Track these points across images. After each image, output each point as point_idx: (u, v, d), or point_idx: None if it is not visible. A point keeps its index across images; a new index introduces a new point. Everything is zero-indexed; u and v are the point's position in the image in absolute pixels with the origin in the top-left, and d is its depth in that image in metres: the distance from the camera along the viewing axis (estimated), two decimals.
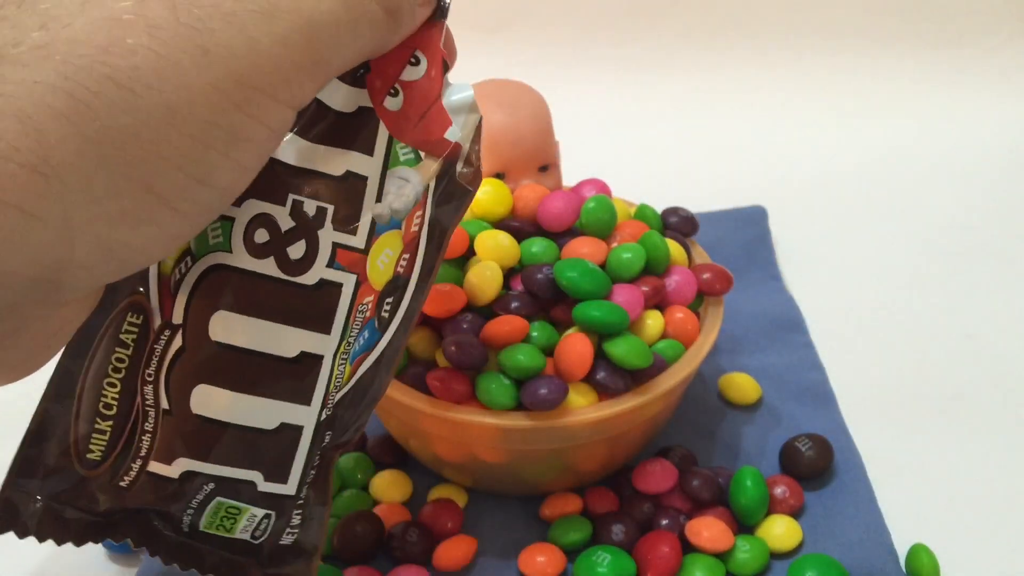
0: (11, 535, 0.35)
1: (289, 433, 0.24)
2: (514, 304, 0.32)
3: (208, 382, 0.23)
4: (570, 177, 0.39)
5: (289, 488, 0.24)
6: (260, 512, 0.24)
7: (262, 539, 0.25)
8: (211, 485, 0.23)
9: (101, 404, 0.23)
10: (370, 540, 0.33)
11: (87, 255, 0.18)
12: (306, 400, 0.24)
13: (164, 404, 0.23)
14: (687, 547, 0.33)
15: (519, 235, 0.35)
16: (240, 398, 0.23)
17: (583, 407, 0.31)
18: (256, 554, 0.25)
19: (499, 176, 0.36)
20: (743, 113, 0.64)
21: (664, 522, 0.33)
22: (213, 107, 0.18)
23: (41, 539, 0.24)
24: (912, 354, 0.43)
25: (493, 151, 0.36)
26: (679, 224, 0.38)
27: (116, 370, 0.23)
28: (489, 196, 0.35)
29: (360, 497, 0.35)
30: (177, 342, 0.23)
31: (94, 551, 0.34)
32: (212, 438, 0.23)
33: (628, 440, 0.34)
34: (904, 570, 0.32)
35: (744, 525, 0.34)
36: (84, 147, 0.17)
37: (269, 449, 0.24)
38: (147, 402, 0.23)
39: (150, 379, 0.23)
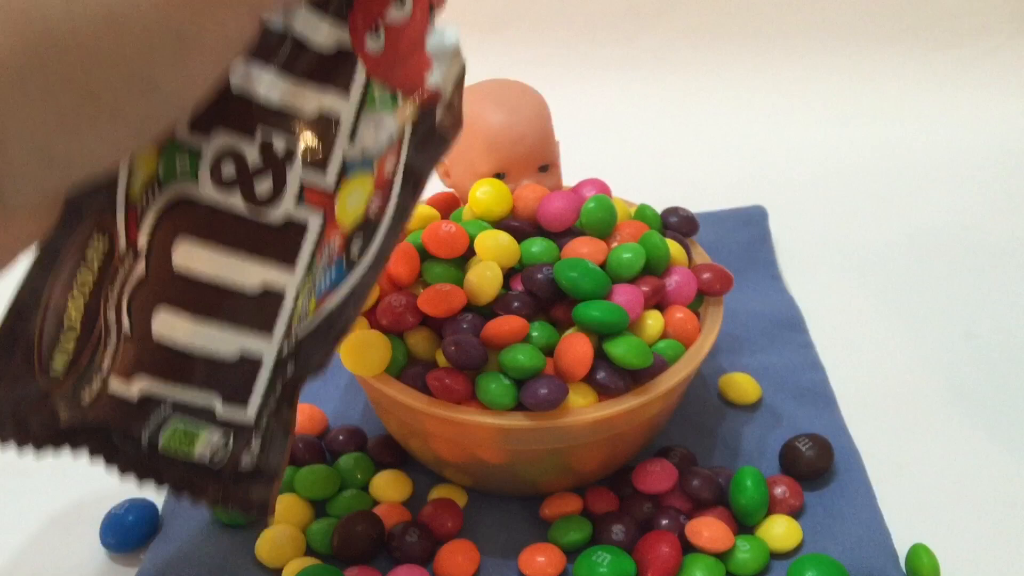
0: (7, 536, 0.35)
1: (249, 362, 0.24)
2: (514, 304, 0.32)
3: (170, 309, 0.23)
4: (570, 177, 0.39)
5: (248, 416, 0.24)
6: (218, 437, 0.24)
7: (221, 464, 0.25)
8: (169, 408, 0.23)
9: (65, 321, 0.23)
10: (370, 540, 0.33)
11: (25, 163, 0.18)
12: (267, 332, 0.24)
13: (125, 327, 0.23)
14: (687, 547, 0.33)
15: (519, 235, 0.35)
16: (201, 326, 0.23)
17: (583, 407, 0.31)
18: (214, 476, 0.25)
19: (499, 176, 0.36)
20: (743, 113, 0.64)
21: (664, 522, 0.33)
22: (159, 11, 0.18)
23: (3, 439, 0.24)
24: (912, 354, 0.43)
25: (493, 151, 0.36)
26: (679, 224, 0.38)
27: (80, 289, 0.23)
28: (489, 196, 0.35)
29: (360, 497, 0.35)
30: (141, 267, 0.23)
31: (94, 551, 0.34)
32: (172, 363, 0.23)
33: (628, 440, 0.34)
34: (904, 570, 0.32)
35: (744, 525, 0.34)
36: (20, 48, 0.17)
37: (229, 377, 0.24)
38: (109, 323, 0.23)
39: (112, 301, 0.23)
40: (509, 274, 0.34)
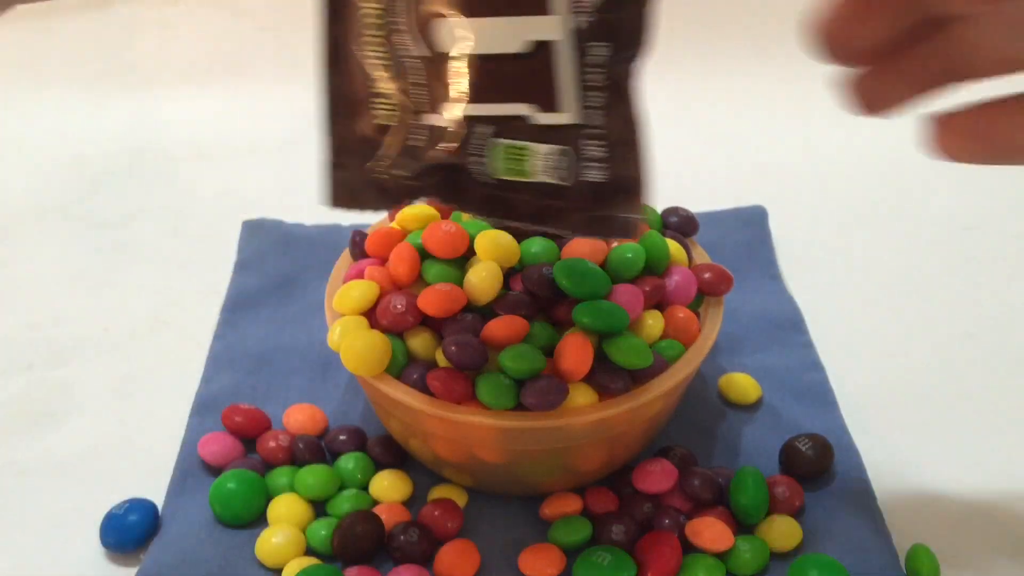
0: (7, 536, 0.35)
1: (542, 51, 0.22)
2: (514, 304, 0.32)
3: (445, 14, 0.21)
4: None
5: (568, 116, 0.22)
6: (547, 148, 0.22)
7: (567, 179, 0.23)
8: (487, 127, 0.22)
9: (372, 67, 0.23)
10: (370, 540, 0.33)
11: None
12: (542, 7, 0.22)
13: (420, 51, 0.22)
14: (687, 547, 0.33)
15: (519, 235, 0.35)
16: (478, 23, 0.21)
17: (583, 407, 0.31)
18: (568, 196, 0.23)
19: None
20: (743, 113, 0.64)
21: (664, 522, 0.33)
22: None
23: (377, 208, 0.24)
24: (912, 354, 0.43)
25: None
26: (679, 224, 0.38)
27: (371, 27, 0.23)
28: None
29: (360, 497, 0.35)
30: None
31: (94, 551, 0.34)
32: (470, 75, 0.22)
33: (628, 440, 0.34)
34: (904, 570, 0.32)
35: (744, 525, 0.34)
36: None
37: (527, 74, 0.22)
38: (407, 54, 0.22)
39: (401, 27, 0.22)
40: (509, 274, 0.34)
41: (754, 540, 0.33)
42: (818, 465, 0.36)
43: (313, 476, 0.35)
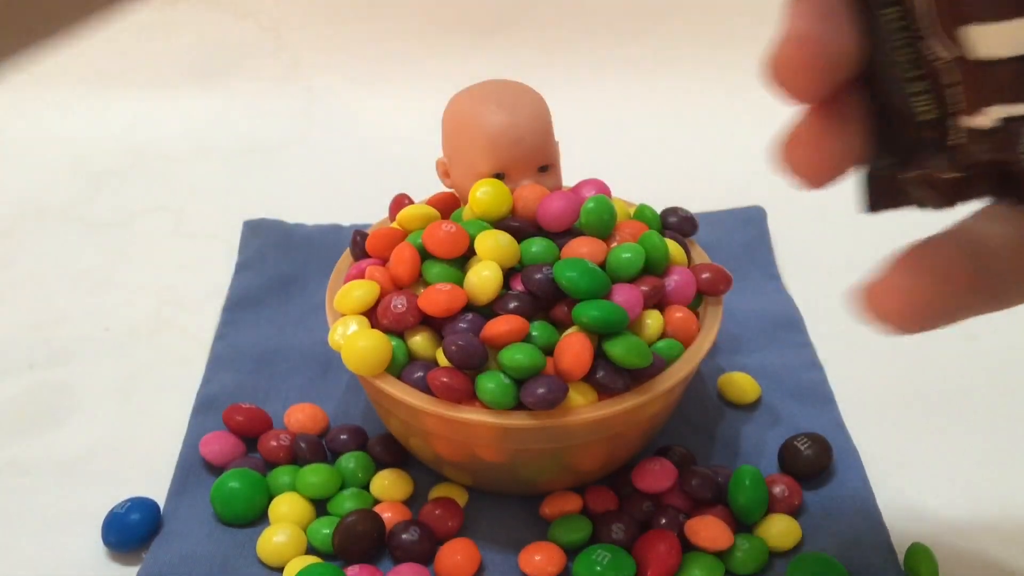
0: (8, 536, 0.35)
1: None
2: (514, 304, 0.32)
3: (979, 20, 0.21)
4: (570, 177, 0.40)
5: None
6: None
7: None
8: None
9: (904, 71, 0.23)
10: (371, 539, 0.33)
11: None
12: None
13: (951, 54, 0.21)
14: (687, 546, 0.33)
15: (519, 235, 0.35)
16: (1019, 25, 0.20)
17: (583, 407, 0.31)
18: None
19: (499, 176, 0.36)
20: (743, 113, 0.64)
21: (663, 521, 0.33)
22: None
23: (924, 205, 0.25)
24: (912, 354, 0.43)
25: (493, 151, 0.36)
26: (679, 224, 0.38)
27: (896, 33, 0.22)
28: (489, 196, 0.35)
29: (361, 496, 0.35)
30: None
31: (96, 550, 0.34)
32: (1016, 77, 0.21)
33: (628, 439, 0.34)
34: (903, 569, 0.33)
35: (743, 524, 0.34)
36: None
37: None
38: (934, 57, 0.22)
39: (921, 33, 0.22)
40: (509, 274, 0.34)
41: (753, 539, 0.33)
42: (817, 464, 0.36)
43: (314, 475, 0.35)
